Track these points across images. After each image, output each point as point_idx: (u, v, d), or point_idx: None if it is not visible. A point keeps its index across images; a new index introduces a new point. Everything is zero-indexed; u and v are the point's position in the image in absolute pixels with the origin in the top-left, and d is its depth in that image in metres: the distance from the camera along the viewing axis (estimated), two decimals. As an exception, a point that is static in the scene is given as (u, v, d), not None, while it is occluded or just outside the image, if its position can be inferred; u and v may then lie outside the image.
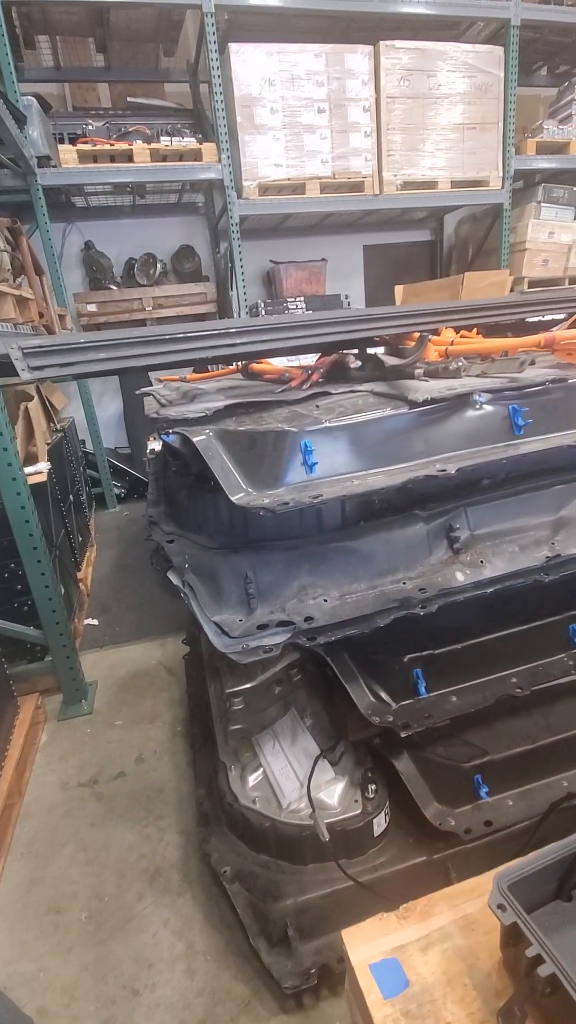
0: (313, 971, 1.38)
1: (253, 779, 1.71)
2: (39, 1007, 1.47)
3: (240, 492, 1.12)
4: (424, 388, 1.30)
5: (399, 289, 4.29)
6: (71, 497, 3.57)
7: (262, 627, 1.19)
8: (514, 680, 1.54)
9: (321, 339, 1.45)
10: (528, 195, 5.50)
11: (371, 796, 1.60)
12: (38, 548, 2.33)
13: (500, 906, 0.55)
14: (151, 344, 1.24)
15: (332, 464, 1.20)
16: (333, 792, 1.61)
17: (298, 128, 4.60)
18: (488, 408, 1.31)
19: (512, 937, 0.54)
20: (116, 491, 4.99)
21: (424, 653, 1.53)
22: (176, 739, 2.30)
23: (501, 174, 5.23)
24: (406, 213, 5.94)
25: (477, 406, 1.29)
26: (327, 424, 1.19)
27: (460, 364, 1.38)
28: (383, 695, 1.50)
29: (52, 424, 3.55)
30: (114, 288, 5.05)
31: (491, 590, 1.29)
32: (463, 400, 1.28)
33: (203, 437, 1.16)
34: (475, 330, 1.79)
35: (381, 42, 4.55)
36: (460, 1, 4.68)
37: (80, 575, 3.42)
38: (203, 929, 1.60)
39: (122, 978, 1.51)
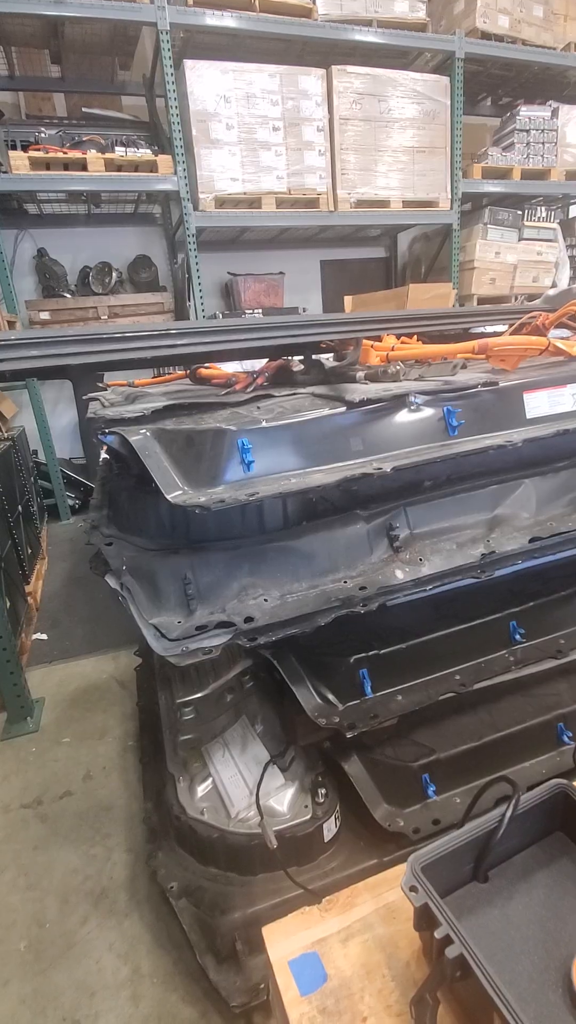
0: (262, 986, 1.34)
1: (202, 789, 1.67)
2: (-29, 1047, 1.37)
3: (177, 491, 1.11)
4: (362, 390, 1.32)
5: (348, 300, 4.40)
6: (19, 508, 3.45)
7: (201, 629, 1.17)
8: (458, 677, 1.56)
9: (265, 342, 1.46)
10: (476, 217, 5.76)
11: (321, 801, 1.58)
12: (-21, 559, 2.24)
13: (412, 888, 0.55)
14: (89, 343, 1.23)
15: (270, 463, 1.20)
16: (283, 798, 1.59)
17: (254, 144, 4.69)
18: (424, 409, 1.34)
19: (424, 920, 0.53)
20: (70, 502, 4.86)
21: (370, 653, 1.54)
22: (127, 754, 2.22)
23: (450, 196, 5.46)
24: (361, 230, 6.10)
25: (413, 407, 1.32)
26: (265, 424, 1.20)
27: (398, 368, 1.41)
28: (330, 696, 1.50)
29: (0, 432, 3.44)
30: (68, 296, 4.98)
31: (430, 587, 1.31)
32: (400, 401, 1.31)
33: (139, 436, 1.15)
34: (415, 337, 1.84)
35: (333, 66, 4.70)
36: (408, 33, 4.90)
37: (29, 588, 3.30)
38: (150, 951, 1.54)
39: (62, 1010, 1.43)
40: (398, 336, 1.71)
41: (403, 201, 5.33)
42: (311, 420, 1.23)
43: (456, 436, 1.34)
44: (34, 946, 1.57)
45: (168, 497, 1.08)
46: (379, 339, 1.68)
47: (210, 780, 1.69)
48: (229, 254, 5.81)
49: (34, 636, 3.09)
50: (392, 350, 1.59)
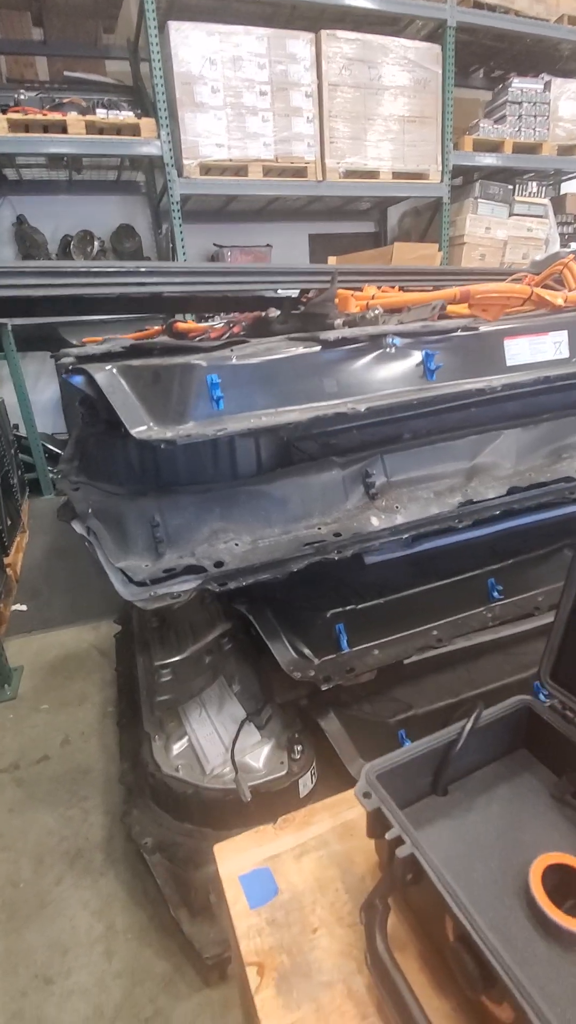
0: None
1: (177, 748, 1.65)
2: None
3: (142, 426, 1.06)
4: (339, 331, 1.28)
5: (332, 260, 4.31)
6: (-1, 479, 3.38)
7: (170, 572, 1.13)
8: (435, 633, 1.55)
9: (240, 286, 1.40)
10: (466, 191, 5.67)
11: (297, 757, 1.57)
12: (-48, 523, 2.18)
13: (366, 794, 0.52)
14: (54, 275, 1.17)
15: (240, 401, 1.15)
16: (259, 755, 1.57)
17: (240, 109, 4.55)
18: (402, 352, 1.30)
19: (378, 826, 0.51)
20: (52, 477, 4.78)
21: (347, 608, 1.52)
22: (106, 720, 2.20)
23: (440, 168, 5.36)
24: (350, 203, 5.99)
25: (390, 349, 1.28)
26: (235, 360, 1.15)
27: (377, 313, 1.37)
28: (306, 651, 1.48)
29: (-23, 402, 3.36)
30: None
31: (406, 535, 1.28)
32: (377, 342, 1.27)
33: (104, 372, 1.10)
34: (396, 288, 1.80)
35: (323, 31, 4.56)
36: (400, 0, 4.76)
37: (8, 560, 3.25)
38: (125, 907, 1.52)
39: (34, 967, 1.41)
40: (378, 287, 1.67)
41: (393, 172, 5.22)
42: (284, 358, 1.19)
43: (434, 381, 1.30)
44: (7, 906, 1.55)
45: (133, 432, 1.04)
46: (360, 290, 1.63)
47: (186, 739, 1.67)
48: (215, 225, 5.68)
49: (13, 607, 3.04)
50: (372, 299, 1.55)
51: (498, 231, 5.66)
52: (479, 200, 5.64)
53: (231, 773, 1.53)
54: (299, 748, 1.59)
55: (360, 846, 0.59)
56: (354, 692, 1.65)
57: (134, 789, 1.70)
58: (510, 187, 5.72)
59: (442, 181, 5.38)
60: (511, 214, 5.73)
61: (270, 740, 1.61)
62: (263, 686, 1.70)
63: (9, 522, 3.50)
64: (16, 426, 4.67)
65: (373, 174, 5.10)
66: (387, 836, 0.47)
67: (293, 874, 0.56)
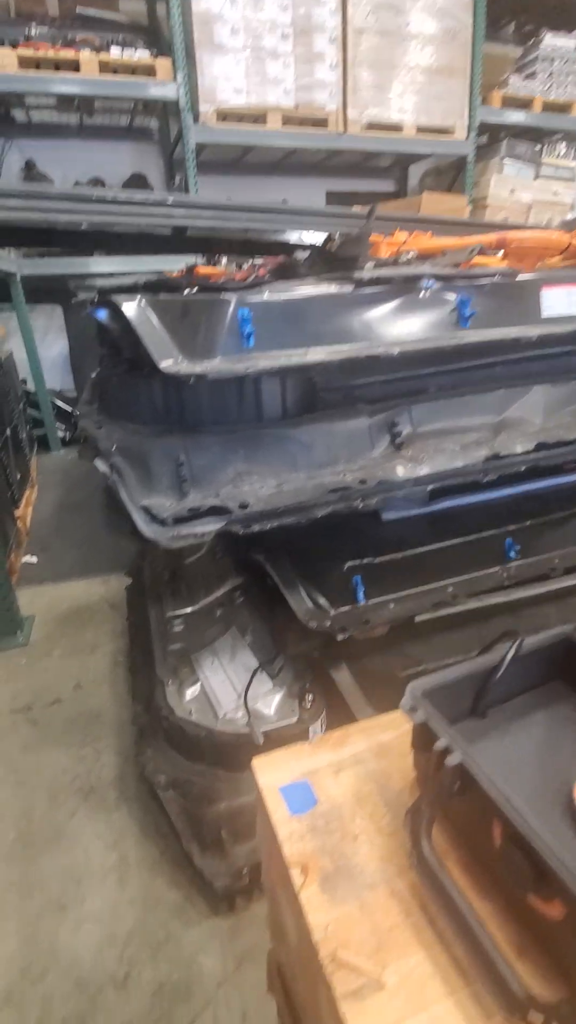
0: (245, 871, 1.38)
1: (190, 693, 1.67)
2: (-42, 926, 1.41)
3: (170, 360, 1.04)
4: (373, 271, 1.24)
5: (356, 209, 4.18)
6: (7, 431, 3.36)
7: (194, 512, 1.12)
8: (450, 590, 1.55)
9: (268, 224, 1.35)
10: (492, 151, 5.45)
11: (308, 706, 1.59)
12: (-35, 469, 2.17)
13: (412, 708, 0.52)
14: (76, 200, 1.12)
15: (270, 339, 1.12)
16: (270, 702, 1.60)
17: (261, 52, 4.34)
18: (436, 296, 1.26)
19: (422, 739, 0.51)
20: (60, 434, 4.75)
21: (364, 561, 1.52)
22: (117, 668, 2.23)
23: (466, 123, 5.14)
24: (371, 159, 5.76)
25: (425, 292, 1.24)
26: (267, 296, 1.12)
27: (411, 255, 1.32)
28: (322, 602, 1.48)
29: (-13, 351, 3.30)
30: (59, 216, 4.69)
31: (430, 487, 1.27)
32: (411, 284, 1.23)
33: (133, 304, 1.07)
34: (429, 234, 1.73)
35: (350, -29, 4.31)
36: None
37: (18, 513, 3.25)
38: (137, 841, 1.57)
39: (49, 893, 1.46)
40: (409, 232, 1.61)
41: (417, 126, 5.01)
42: (316, 296, 1.15)
43: (468, 328, 1.26)
44: (22, 836, 1.60)
45: (161, 366, 1.01)
46: (391, 234, 1.57)
47: (198, 685, 1.70)
48: (230, 178, 5.48)
49: (24, 559, 3.06)
50: (404, 244, 1.50)
51: (523, 194, 5.46)
52: (505, 160, 5.42)
53: (243, 718, 1.56)
54: (310, 697, 1.61)
55: (397, 765, 0.60)
56: (366, 646, 1.67)
57: (146, 731, 1.73)
58: (538, 148, 5.50)
59: (468, 138, 5.17)
60: (537, 176, 5.52)
61: (282, 689, 1.63)
62: (276, 637, 1.72)
63: (19, 476, 3.49)
64: (24, 380, 4.62)
65: (396, 127, 4.90)
66: (436, 747, 0.47)
67: (331, 787, 0.57)
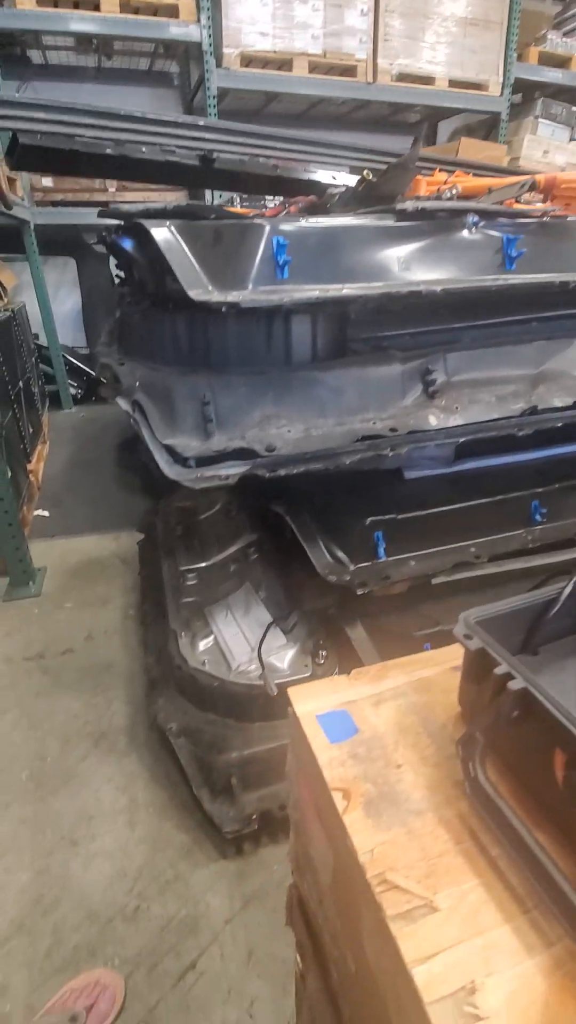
0: (254, 817, 1.39)
1: (203, 644, 1.67)
2: (-28, 858, 1.44)
3: (199, 288, 0.99)
4: (416, 203, 1.16)
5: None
6: (20, 384, 3.30)
7: (219, 453, 1.08)
8: (473, 550, 1.51)
9: (304, 156, 1.27)
10: (526, 109, 5.20)
11: (321, 662, 1.58)
12: (-22, 414, 2.13)
13: (467, 635, 0.49)
14: (102, 117, 1.05)
15: (305, 271, 1.06)
16: (284, 657, 1.59)
17: (289, -6, 4.10)
18: (481, 235, 1.19)
19: (477, 667, 0.48)
20: (72, 391, 4.69)
21: (386, 517, 1.48)
22: (127, 622, 2.23)
23: (501, 80, 4.89)
24: (399, 112, 5.51)
25: (471, 230, 1.16)
26: (303, 223, 1.05)
27: (455, 192, 1.24)
28: (341, 556, 1.45)
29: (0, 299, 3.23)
30: (74, 163, 4.52)
31: (462, 439, 1.22)
32: (456, 221, 1.15)
33: (163, 228, 1.01)
34: (470, 176, 1.64)
35: None
36: None
37: (30, 467, 3.23)
38: (147, 785, 1.59)
39: (61, 830, 1.49)
40: (449, 173, 1.52)
41: (449, 80, 4.77)
42: (355, 226, 1.08)
43: (513, 270, 1.19)
44: (35, 777, 1.62)
45: (190, 294, 0.96)
46: (431, 175, 1.49)
47: (212, 637, 1.69)
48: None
49: (36, 512, 3.05)
50: (445, 182, 1.41)
51: (557, 155, 5.22)
52: (540, 120, 5.17)
53: (256, 671, 1.55)
54: (323, 653, 1.60)
55: (439, 699, 0.57)
56: (381, 604, 1.65)
57: (158, 681, 1.73)
58: (574, 109, 5.23)
59: (502, 94, 4.92)
60: (572, 138, 5.27)
61: (295, 644, 1.62)
62: (291, 593, 1.70)
63: (31, 430, 3.45)
64: (36, 335, 4.53)
65: (428, 80, 4.67)
66: (496, 671, 0.44)
67: (372, 717, 0.54)
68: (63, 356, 4.58)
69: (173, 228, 1.01)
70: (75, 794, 1.57)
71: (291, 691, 0.59)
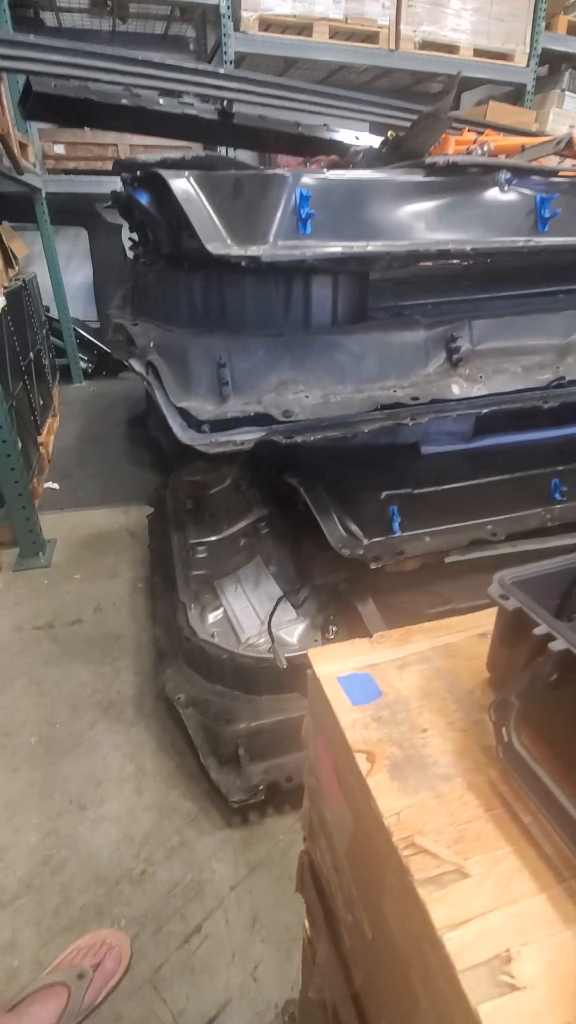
0: (261, 788, 1.39)
1: (213, 617, 1.66)
2: (-19, 819, 1.45)
3: (218, 242, 0.94)
4: (447, 157, 1.10)
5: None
6: (31, 355, 3.27)
7: (234, 420, 1.05)
8: (490, 527, 1.48)
9: (330, 110, 1.21)
10: (552, 82, 5.01)
11: (331, 637, 1.57)
12: (-11, 381, 2.11)
13: (503, 596, 0.46)
14: (119, 61, 1.00)
15: (329, 227, 1.01)
16: (293, 631, 1.57)
17: (310, -45, 3.94)
18: (513, 194, 1.13)
19: (513, 628, 0.45)
20: (83, 365, 4.65)
21: (401, 492, 1.45)
22: (136, 594, 2.23)
23: (528, 50, 4.71)
24: (421, 82, 5.32)
25: (502, 187, 1.11)
26: (327, 175, 1.00)
27: (487, 149, 1.18)
28: (355, 530, 1.43)
29: (11, 268, 3.18)
30: (86, 128, 4.42)
31: (485, 410, 1.18)
32: (488, 177, 1.09)
33: (181, 179, 0.96)
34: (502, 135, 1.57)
35: None
36: None
37: (41, 439, 3.21)
38: (154, 754, 1.59)
39: (69, 794, 1.50)
40: (478, 133, 1.45)
41: (474, 49, 4.59)
42: (382, 180, 1.03)
43: (546, 232, 1.14)
44: (44, 742, 1.63)
45: (208, 248, 0.92)
46: (460, 134, 1.42)
47: (221, 610, 1.68)
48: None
49: (46, 484, 3.04)
50: (475, 141, 1.34)
51: (584, 129, 5.04)
52: (566, 93, 4.99)
53: (265, 644, 1.54)
54: (333, 629, 1.58)
55: (465, 665, 0.55)
56: (393, 581, 1.63)
57: (167, 653, 1.73)
58: (605, 82, 5.03)
59: (528, 65, 4.74)
60: (601, 112, 5.08)
61: (305, 619, 1.60)
62: (302, 568, 1.68)
63: (41, 402, 3.43)
64: (47, 308, 4.48)
65: (452, 48, 4.50)
66: (536, 632, 0.42)
67: (395, 681, 0.52)
68: (74, 329, 4.52)
69: (192, 179, 0.96)
70: (83, 760, 1.58)
71: (311, 652, 0.57)
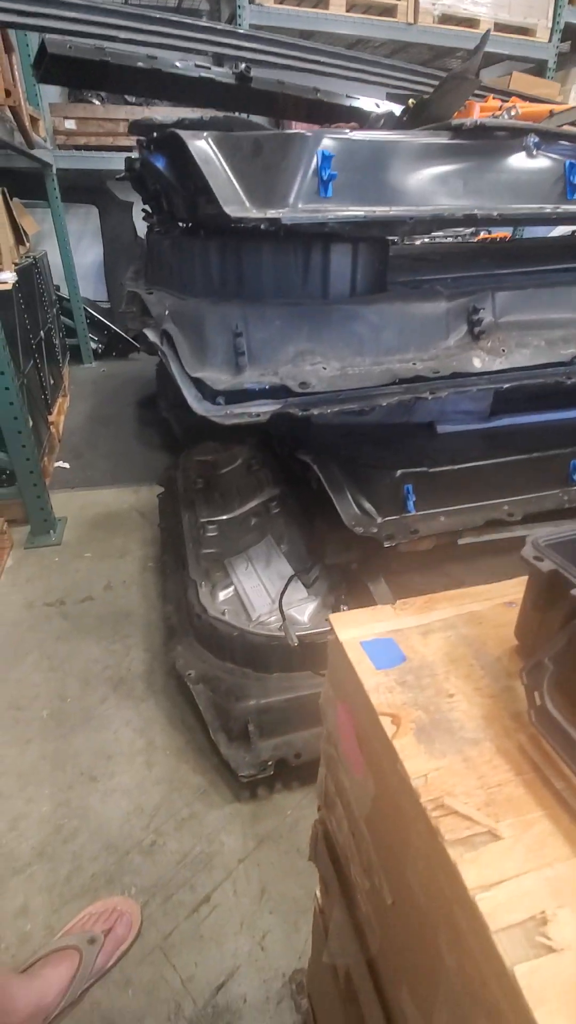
0: (270, 763, 1.39)
1: (224, 595, 1.65)
2: (-6, 789, 1.46)
3: (236, 205, 0.92)
4: (475, 119, 1.06)
5: None
6: (41, 333, 3.25)
7: (249, 392, 1.03)
8: (506, 507, 1.46)
9: (355, 74, 1.17)
10: (574, 59, 4.85)
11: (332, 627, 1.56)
12: (1, 358, 2.09)
13: (537, 558, 0.44)
14: (135, 19, 0.97)
15: (351, 191, 0.98)
16: (304, 610, 1.56)
17: None
18: (542, 159, 1.09)
19: (548, 591, 0.44)
20: (93, 346, 4.62)
21: (416, 470, 1.43)
22: (146, 573, 2.23)
23: (550, 24, 4.57)
24: (439, 58, 5.16)
25: (531, 152, 1.07)
26: (351, 135, 0.97)
27: (514, 112, 1.14)
28: (368, 508, 1.41)
29: (22, 245, 3.14)
30: (97, 103, 4.35)
31: (507, 385, 1.15)
32: (514, 144, 1.06)
33: (200, 140, 0.93)
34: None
35: None
36: None
37: (51, 418, 3.20)
38: (164, 729, 1.60)
39: (80, 767, 1.51)
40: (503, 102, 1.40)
41: (495, 23, 4.46)
42: (407, 141, 0.99)
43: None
44: (55, 715, 1.64)
45: (227, 211, 0.89)
46: (484, 100, 1.37)
47: (232, 588, 1.67)
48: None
49: (56, 463, 3.04)
50: (501, 107, 1.30)
51: (607, 107, 4.88)
52: (590, 69, 4.83)
53: (275, 622, 1.53)
54: (344, 609, 1.57)
55: (491, 633, 0.53)
56: (405, 562, 1.61)
57: (177, 630, 1.73)
58: (631, 55, 4.87)
59: (550, 40, 4.61)
60: (627, 88, 4.92)
61: (316, 599, 1.59)
62: (314, 547, 1.67)
63: (52, 382, 3.41)
64: (58, 287, 4.45)
65: (472, 22, 4.36)
66: (574, 592, 0.40)
67: (420, 647, 0.51)
68: (84, 309, 4.49)
69: (211, 140, 0.93)
70: (94, 734, 1.59)
71: (332, 617, 0.56)
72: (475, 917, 0.33)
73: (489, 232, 4.83)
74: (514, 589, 0.60)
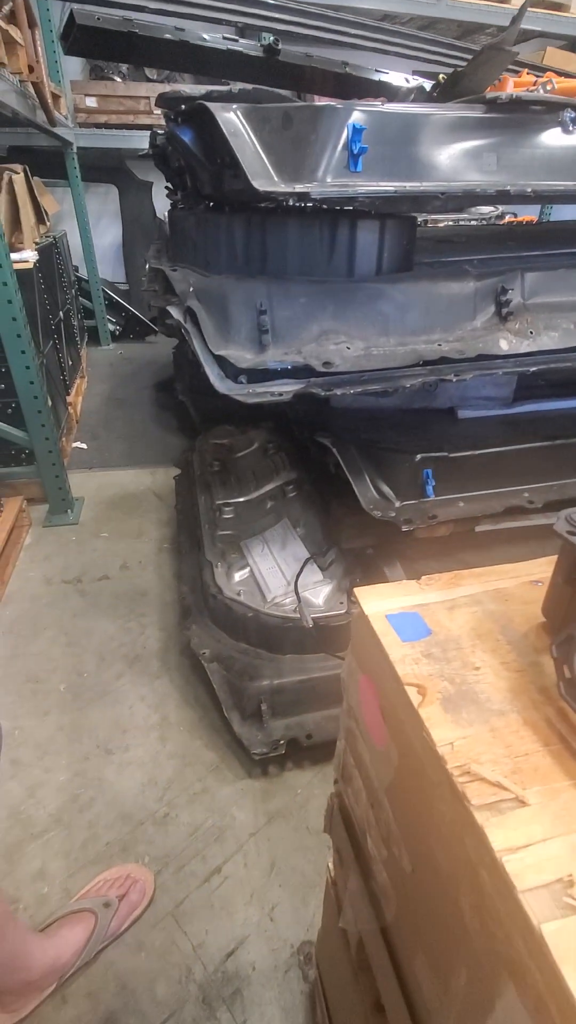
0: (282, 742, 1.41)
1: (239, 576, 1.66)
2: (13, 759, 1.50)
3: (264, 179, 0.91)
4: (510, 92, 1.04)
5: None
6: (60, 314, 3.25)
7: (272, 371, 1.03)
8: (527, 495, 1.44)
9: (377, 45, 1.14)
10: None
11: (356, 600, 1.56)
12: (22, 336, 2.10)
13: (570, 532, 0.44)
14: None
15: (382, 165, 0.96)
16: (319, 593, 1.57)
17: None
18: (578, 135, 1.06)
19: (578, 566, 0.43)
20: (111, 327, 4.62)
21: (436, 455, 1.42)
22: (162, 554, 2.25)
23: (584, -1, 4.39)
24: (468, 34, 5.02)
25: (567, 128, 1.04)
26: (382, 107, 0.95)
27: (552, 87, 1.11)
28: (387, 491, 1.40)
29: (42, 224, 3.14)
30: (118, 80, 4.30)
31: (534, 369, 1.13)
32: (549, 119, 1.03)
33: (228, 112, 0.92)
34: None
35: None
36: None
37: (69, 399, 3.22)
38: (178, 706, 1.62)
39: (96, 739, 1.54)
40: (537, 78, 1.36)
41: (527, -3, 4.29)
42: (440, 115, 0.97)
43: (611, 177, 1.07)
44: (72, 689, 1.67)
45: (254, 184, 0.88)
46: (518, 74, 1.33)
47: (247, 569, 1.68)
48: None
49: (74, 444, 3.06)
50: (536, 82, 1.26)
51: None
52: (628, 43, 4.67)
53: (290, 604, 1.54)
54: (360, 593, 1.57)
55: (518, 610, 0.53)
56: (421, 548, 1.60)
57: (192, 610, 1.75)
58: None
59: (587, 14, 4.43)
60: None
61: (331, 582, 1.60)
62: (330, 531, 1.67)
63: (70, 363, 3.43)
64: (76, 268, 4.44)
65: (503, -2, 4.23)
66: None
67: (445, 621, 0.51)
68: (103, 290, 4.49)
69: (239, 112, 0.92)
70: (109, 708, 1.62)
71: (357, 590, 0.56)
72: (501, 879, 0.34)
73: (515, 215, 4.72)
74: (540, 568, 0.60)
